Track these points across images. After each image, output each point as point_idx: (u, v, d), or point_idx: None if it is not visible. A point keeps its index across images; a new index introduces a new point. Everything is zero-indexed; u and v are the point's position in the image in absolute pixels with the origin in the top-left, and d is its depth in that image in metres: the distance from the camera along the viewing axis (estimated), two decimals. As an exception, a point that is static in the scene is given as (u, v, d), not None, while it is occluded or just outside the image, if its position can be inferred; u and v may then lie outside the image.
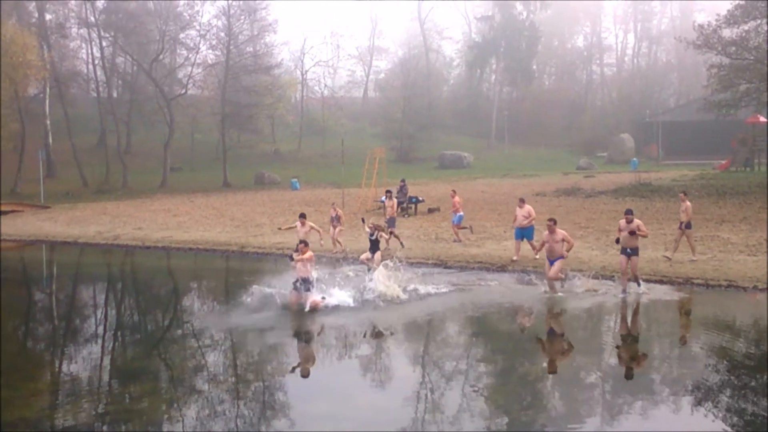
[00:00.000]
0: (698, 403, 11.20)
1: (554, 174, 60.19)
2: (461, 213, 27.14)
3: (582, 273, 20.31)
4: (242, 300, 17.51)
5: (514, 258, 22.63)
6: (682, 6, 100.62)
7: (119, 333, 16.28)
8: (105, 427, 10.62)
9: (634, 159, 68.74)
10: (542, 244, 18.70)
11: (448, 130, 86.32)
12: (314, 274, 17.12)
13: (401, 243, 25.42)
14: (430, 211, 34.83)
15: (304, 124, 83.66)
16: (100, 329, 17.33)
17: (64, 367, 13.96)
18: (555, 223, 18.34)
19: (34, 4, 62.47)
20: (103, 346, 15.34)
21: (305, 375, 12.92)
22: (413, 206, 35.68)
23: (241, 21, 67.75)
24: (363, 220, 21.95)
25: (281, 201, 44.23)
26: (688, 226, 21.77)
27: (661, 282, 19.35)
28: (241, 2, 66.82)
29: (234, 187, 58.91)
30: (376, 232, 20.48)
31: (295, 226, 21.22)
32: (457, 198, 27.52)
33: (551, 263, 18.18)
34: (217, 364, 13.81)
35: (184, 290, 22.45)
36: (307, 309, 16.27)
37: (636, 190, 40.29)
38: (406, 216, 34.27)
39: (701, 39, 41.54)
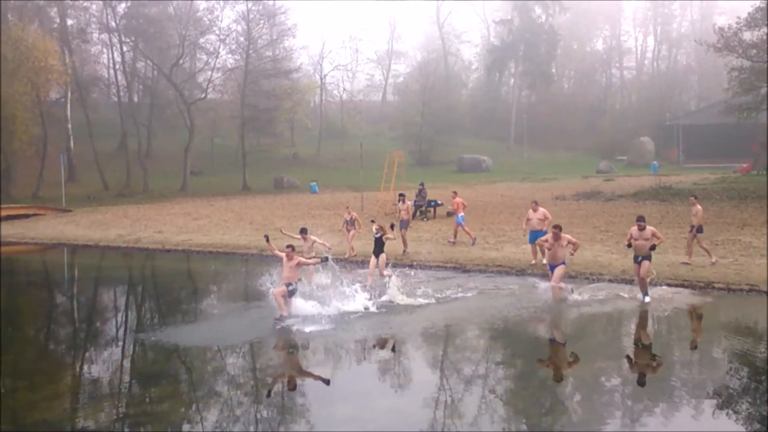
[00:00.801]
0: (720, 407, 11.11)
1: (574, 177, 60.01)
2: (462, 213, 27.11)
3: (602, 276, 20.31)
4: (260, 303, 17.56)
5: (533, 262, 22.57)
6: (702, 9, 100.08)
7: (140, 335, 16.35)
8: (126, 429, 10.69)
9: (655, 162, 68.47)
10: (543, 243, 18.46)
11: (466, 133, 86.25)
12: (322, 280, 17.04)
13: (405, 248, 25.45)
14: (449, 214, 34.74)
15: (323, 128, 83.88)
16: (121, 332, 17.43)
17: (86, 370, 14.06)
18: (560, 230, 18.09)
19: (55, 9, 62.96)
20: (123, 349, 15.42)
21: (324, 379, 12.91)
22: (432, 210, 35.67)
23: (261, 25, 68.10)
24: (372, 221, 21.76)
25: (300, 204, 44.34)
26: (700, 230, 21.52)
27: (682, 286, 19.21)
28: (261, 7, 67.13)
29: (253, 190, 59.17)
30: (381, 232, 20.37)
31: (298, 238, 20.38)
32: (458, 199, 27.52)
33: (552, 269, 17.97)
34: (237, 367, 13.86)
35: (205, 293, 22.54)
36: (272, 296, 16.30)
37: (656, 194, 40.13)
38: (425, 219, 34.26)
39: (721, 42, 41.28)
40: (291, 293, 16.34)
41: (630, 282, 19.20)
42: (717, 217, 30.32)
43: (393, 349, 14.91)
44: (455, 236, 27.13)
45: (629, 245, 18.05)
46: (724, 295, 18.54)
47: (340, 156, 76.65)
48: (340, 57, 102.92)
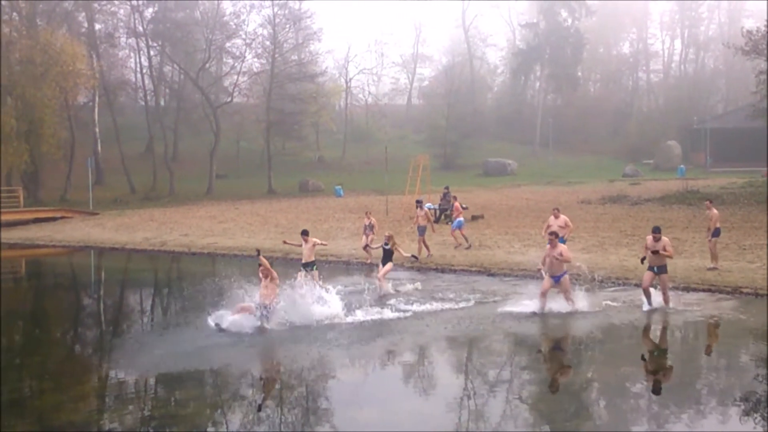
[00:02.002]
0: (746, 413, 11.01)
1: (600, 181, 59.73)
2: (461, 219, 27.22)
3: (628, 281, 20.18)
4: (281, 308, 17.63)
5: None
6: (730, 11, 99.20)
7: (165, 337, 16.44)
8: (150, 431, 10.75)
9: (682, 166, 67.95)
10: (544, 259, 17.76)
11: (492, 137, 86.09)
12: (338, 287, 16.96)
13: (428, 252, 25.54)
14: (474, 218, 34.67)
15: (348, 132, 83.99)
16: (147, 334, 17.51)
17: (111, 372, 14.13)
18: (557, 236, 17.76)
19: (84, 14, 63.56)
20: (149, 351, 15.46)
21: (348, 381, 12.92)
22: (457, 213, 35.60)
23: (286, 30, 68.40)
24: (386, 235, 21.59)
25: (325, 208, 44.44)
26: (716, 233, 21.39)
27: (709, 291, 19.04)
28: (287, 11, 67.41)
29: (278, 194, 59.36)
30: (390, 242, 20.35)
31: (300, 244, 20.27)
32: (457, 204, 28.04)
33: (555, 280, 17.30)
34: (261, 370, 13.91)
35: (230, 296, 22.56)
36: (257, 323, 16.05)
37: (683, 198, 39.84)
38: (449, 223, 34.19)
39: (749, 45, 40.99)
40: (265, 315, 16.04)
41: (653, 287, 18.98)
42: (744, 222, 30.05)
43: (414, 354, 14.89)
44: (466, 240, 27.13)
45: (643, 260, 17.69)
46: (752, 300, 18.34)
47: (365, 159, 76.78)
48: (366, 61, 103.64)
